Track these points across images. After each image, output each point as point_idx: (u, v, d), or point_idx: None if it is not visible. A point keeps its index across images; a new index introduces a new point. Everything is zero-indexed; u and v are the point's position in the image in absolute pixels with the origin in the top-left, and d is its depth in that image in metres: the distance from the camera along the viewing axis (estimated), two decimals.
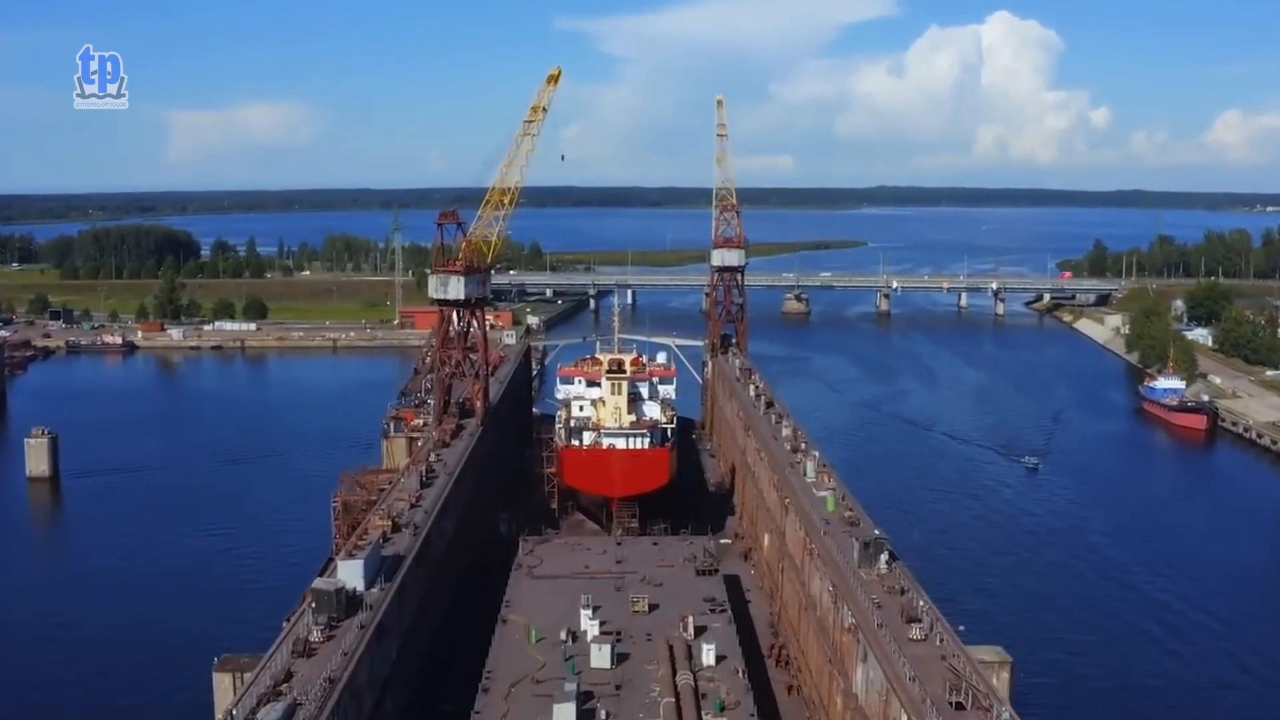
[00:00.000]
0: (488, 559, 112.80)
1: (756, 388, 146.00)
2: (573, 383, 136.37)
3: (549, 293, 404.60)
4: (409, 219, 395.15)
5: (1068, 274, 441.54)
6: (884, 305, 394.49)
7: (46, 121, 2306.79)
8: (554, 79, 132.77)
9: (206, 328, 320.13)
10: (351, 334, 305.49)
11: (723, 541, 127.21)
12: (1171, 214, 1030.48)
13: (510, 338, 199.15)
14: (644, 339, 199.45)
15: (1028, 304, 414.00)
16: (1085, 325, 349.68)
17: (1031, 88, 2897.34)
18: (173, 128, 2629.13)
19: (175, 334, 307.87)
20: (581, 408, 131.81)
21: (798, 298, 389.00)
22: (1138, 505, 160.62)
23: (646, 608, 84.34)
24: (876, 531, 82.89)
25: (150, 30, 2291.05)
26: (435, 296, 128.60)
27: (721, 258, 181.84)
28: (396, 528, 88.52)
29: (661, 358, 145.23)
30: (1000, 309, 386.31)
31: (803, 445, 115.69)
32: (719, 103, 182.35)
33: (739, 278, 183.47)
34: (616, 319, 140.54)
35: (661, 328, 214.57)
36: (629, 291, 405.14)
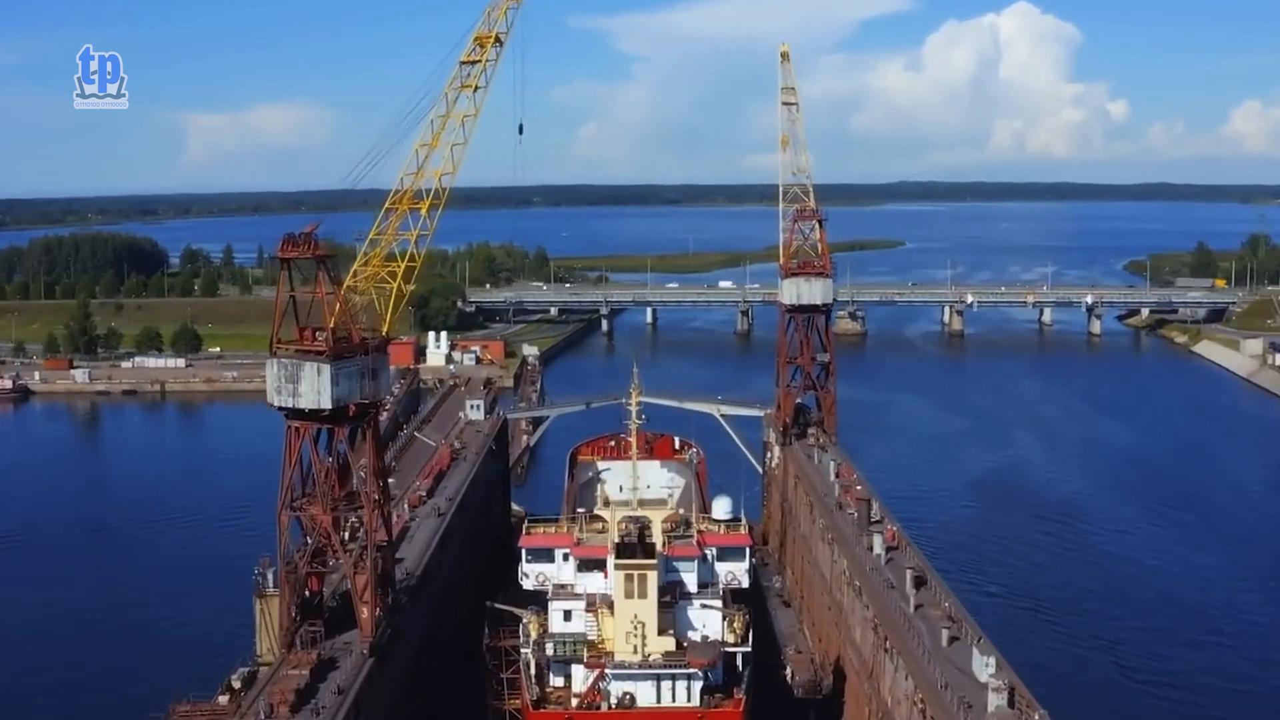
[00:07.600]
0: None
1: (885, 537, 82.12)
2: (550, 558, 71.18)
3: (553, 311, 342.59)
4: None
5: (1220, 281, 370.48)
6: (955, 323, 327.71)
7: (58, 125, 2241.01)
8: None
9: (126, 364, 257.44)
10: None
11: None
12: (1202, 208, 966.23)
13: (478, 411, 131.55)
14: (674, 404, 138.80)
15: (1121, 319, 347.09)
16: (1211, 350, 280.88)
17: (1049, 81, 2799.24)
18: (186, 131, 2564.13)
19: (80, 375, 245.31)
20: (568, 615, 67.68)
21: (851, 315, 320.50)
22: None
23: None
24: None
25: (162, 34, 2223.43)
26: (277, 404, 66.27)
27: (797, 292, 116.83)
28: None
29: (721, 510, 75.90)
30: (1096, 327, 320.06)
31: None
32: (784, 55, 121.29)
33: (823, 322, 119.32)
34: (635, 430, 75.67)
35: (691, 363, 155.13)
36: (648, 309, 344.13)
